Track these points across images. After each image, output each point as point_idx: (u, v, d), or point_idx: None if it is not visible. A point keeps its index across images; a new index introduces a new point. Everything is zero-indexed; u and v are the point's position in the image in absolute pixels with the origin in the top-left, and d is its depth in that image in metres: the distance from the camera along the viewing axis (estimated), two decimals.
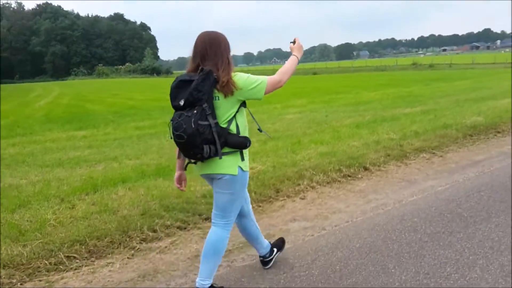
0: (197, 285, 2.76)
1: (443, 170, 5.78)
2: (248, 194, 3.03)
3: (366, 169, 5.80)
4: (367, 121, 9.95)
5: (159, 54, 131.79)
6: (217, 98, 2.52)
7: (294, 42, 2.87)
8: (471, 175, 5.51)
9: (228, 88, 2.48)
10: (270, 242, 3.29)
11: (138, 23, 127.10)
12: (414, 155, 6.46)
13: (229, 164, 2.59)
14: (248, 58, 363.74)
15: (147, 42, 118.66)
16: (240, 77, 2.56)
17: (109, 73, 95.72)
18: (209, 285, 2.78)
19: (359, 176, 5.58)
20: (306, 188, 5.11)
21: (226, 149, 2.56)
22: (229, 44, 2.66)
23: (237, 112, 2.59)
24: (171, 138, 2.47)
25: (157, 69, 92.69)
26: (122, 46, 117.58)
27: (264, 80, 2.58)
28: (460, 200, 4.54)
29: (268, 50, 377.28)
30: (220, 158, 2.51)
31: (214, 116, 2.47)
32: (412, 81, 26.32)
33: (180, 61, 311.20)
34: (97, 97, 28.09)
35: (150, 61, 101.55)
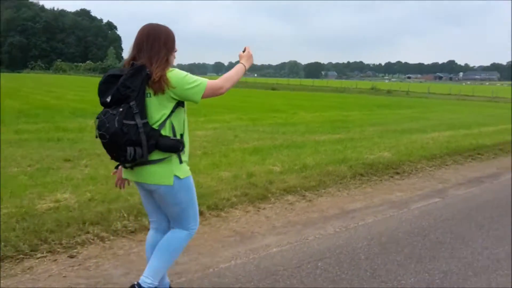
0: (139, 281, 2.51)
1: (298, 221, 4.58)
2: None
3: (200, 213, 4.48)
4: (269, 146, 8.77)
5: (123, 55, 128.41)
6: (148, 95, 2.29)
7: (244, 51, 2.66)
8: (327, 231, 4.31)
9: (159, 85, 2.25)
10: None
11: (105, 21, 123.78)
12: (278, 196, 5.25)
13: (163, 173, 2.35)
14: (218, 67, 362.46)
15: (112, 41, 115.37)
16: (175, 74, 2.32)
17: (68, 70, 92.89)
18: (152, 286, 2.50)
19: None
20: (92, 239, 3.74)
21: (158, 155, 2.32)
22: (173, 42, 2.43)
23: (172, 112, 2.35)
24: (96, 137, 2.25)
25: None
26: (85, 43, 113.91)
27: (203, 82, 2.36)
28: (287, 272, 3.30)
29: (238, 62, 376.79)
30: (146, 159, 2.27)
31: (144, 116, 2.23)
32: (359, 105, 25.61)
33: None
34: (25, 92, 25.98)
35: (112, 61, 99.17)
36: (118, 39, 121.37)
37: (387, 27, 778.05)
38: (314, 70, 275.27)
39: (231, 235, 4.09)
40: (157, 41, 2.34)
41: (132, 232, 3.94)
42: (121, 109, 2.18)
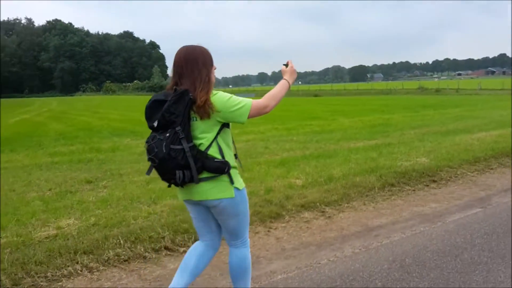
0: None
1: (312, 242, 4.14)
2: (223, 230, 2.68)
3: (168, 248, 4.03)
4: (298, 157, 8.36)
5: (168, 72, 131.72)
6: (194, 119, 2.35)
7: (286, 65, 2.62)
8: (344, 253, 3.86)
9: (204, 110, 2.29)
10: None
11: (148, 41, 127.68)
12: (294, 214, 4.83)
13: (222, 188, 2.40)
14: (262, 78, 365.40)
15: (156, 60, 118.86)
16: (219, 98, 2.35)
17: (117, 90, 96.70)
18: None
19: (153, 257, 3.81)
20: (80, 270, 3.48)
21: (206, 174, 2.35)
22: (211, 59, 2.44)
23: (218, 134, 2.38)
24: (148, 160, 2.30)
25: (165, 87, 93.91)
26: (131, 63, 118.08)
27: (248, 103, 2.37)
28: None
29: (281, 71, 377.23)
30: (197, 183, 2.32)
31: (190, 140, 2.29)
32: (402, 107, 24.59)
33: None
34: (72, 115, 26.88)
35: (158, 79, 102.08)
36: (161, 58, 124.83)
37: (428, 23, 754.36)
38: (359, 73, 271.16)
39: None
40: (195, 63, 2.36)
41: (125, 261, 3.66)
42: (167, 134, 2.23)
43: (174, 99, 2.27)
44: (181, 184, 2.32)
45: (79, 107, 38.77)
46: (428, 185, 6.06)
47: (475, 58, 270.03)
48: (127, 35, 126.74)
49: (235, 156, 2.54)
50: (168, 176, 2.31)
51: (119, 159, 9.24)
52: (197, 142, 2.35)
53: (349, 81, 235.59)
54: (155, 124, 2.29)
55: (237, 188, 2.45)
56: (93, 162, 9.02)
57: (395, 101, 32.23)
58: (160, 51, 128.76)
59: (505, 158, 7.70)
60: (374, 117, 18.05)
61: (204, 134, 2.36)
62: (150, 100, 2.39)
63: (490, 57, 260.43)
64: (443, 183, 6.17)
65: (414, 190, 5.81)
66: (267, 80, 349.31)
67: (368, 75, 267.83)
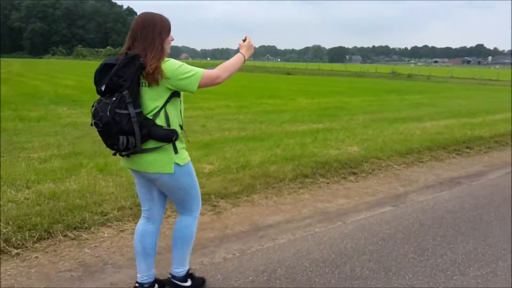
0: (172, 273, 2.73)
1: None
2: (166, 200, 2.69)
3: (50, 236, 3.50)
4: (228, 139, 7.78)
5: None
6: (143, 84, 2.30)
7: (244, 40, 2.62)
8: (213, 259, 3.33)
9: (153, 77, 2.24)
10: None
11: (125, 7, 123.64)
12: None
13: (163, 162, 2.36)
14: None
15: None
16: (170, 65, 2.30)
17: (88, 55, 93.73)
18: (185, 272, 2.73)
19: None
20: None
21: (153, 144, 2.33)
22: (168, 29, 2.40)
23: (167, 102, 2.34)
24: (91, 125, 2.24)
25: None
26: (105, 29, 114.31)
27: (199, 71, 2.33)
28: None
29: (261, 47, 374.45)
30: (140, 151, 2.30)
31: (137, 105, 2.24)
32: (366, 90, 24.21)
33: (172, 49, 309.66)
34: (26, 78, 25.53)
35: None
36: None
37: (412, 10, 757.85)
38: (338, 54, 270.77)
39: (72, 268, 3.13)
40: (151, 30, 2.31)
41: None
42: (114, 98, 2.19)
43: (123, 62, 2.21)
44: (124, 150, 2.26)
45: (40, 70, 37.04)
46: (345, 178, 5.58)
47: (453, 47, 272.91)
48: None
49: (181, 127, 2.45)
50: (111, 141, 2.25)
51: (38, 130, 8.48)
52: (145, 109, 2.31)
53: (328, 61, 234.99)
54: (103, 88, 2.23)
55: (177, 164, 2.40)
56: (7, 132, 8.23)
57: (363, 84, 31.88)
58: None
59: (441, 151, 7.30)
60: (333, 99, 17.58)
61: (152, 101, 2.31)
62: (100, 64, 2.33)
63: (468, 46, 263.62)
64: (362, 176, 5.70)
65: (328, 183, 5.31)
66: None
67: (347, 57, 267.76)
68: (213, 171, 5.38)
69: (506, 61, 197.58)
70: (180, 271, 2.71)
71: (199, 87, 2.34)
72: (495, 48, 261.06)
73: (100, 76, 2.29)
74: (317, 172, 5.56)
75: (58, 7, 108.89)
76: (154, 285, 2.72)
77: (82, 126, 8.66)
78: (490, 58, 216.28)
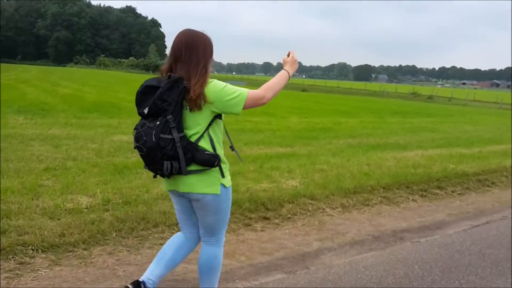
0: None
1: None
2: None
3: None
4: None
5: (166, 52, 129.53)
6: (186, 107, 2.24)
7: (288, 55, 2.51)
8: None
9: (196, 103, 2.19)
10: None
11: (149, 18, 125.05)
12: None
13: (210, 182, 2.31)
14: (266, 68, 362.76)
15: (155, 38, 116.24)
16: (213, 87, 2.25)
17: (110, 65, 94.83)
18: None
19: None
20: None
21: (195, 166, 2.26)
22: (211, 50, 2.32)
23: (209, 124, 2.29)
24: (134, 148, 2.23)
25: (160, 67, 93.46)
26: (129, 39, 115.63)
27: (243, 92, 2.27)
28: None
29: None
30: (185, 175, 2.24)
31: (181, 129, 2.20)
32: (372, 111, 22.77)
33: None
34: (33, 85, 25.08)
35: (154, 58, 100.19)
36: (161, 37, 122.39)
37: (441, 31, 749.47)
38: (364, 72, 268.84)
39: None
40: (195, 52, 2.23)
41: None
42: (158, 123, 2.14)
43: (167, 86, 2.15)
44: (168, 175, 2.23)
45: (52, 79, 36.85)
46: (249, 225, 4.27)
47: (482, 69, 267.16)
48: (129, 10, 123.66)
49: (231, 148, 2.51)
50: (155, 166, 2.20)
51: None
52: (188, 132, 2.25)
53: (353, 79, 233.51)
54: (146, 111, 2.18)
55: (223, 185, 2.36)
56: None
57: (375, 104, 30.39)
58: (161, 29, 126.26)
59: (402, 190, 5.98)
60: (328, 119, 16.29)
61: (195, 125, 2.26)
62: (142, 85, 2.24)
63: (497, 69, 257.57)
64: (274, 223, 4.41)
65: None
66: (272, 70, 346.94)
67: (373, 75, 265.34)
68: (93, 206, 4.22)
69: None
70: None
71: (244, 108, 2.26)
72: None
73: (141, 97, 2.23)
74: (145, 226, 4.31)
75: (83, 16, 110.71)
76: None
77: (14, 139, 7.61)
78: None
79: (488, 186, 6.77)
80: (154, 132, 2.12)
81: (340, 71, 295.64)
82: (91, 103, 16.11)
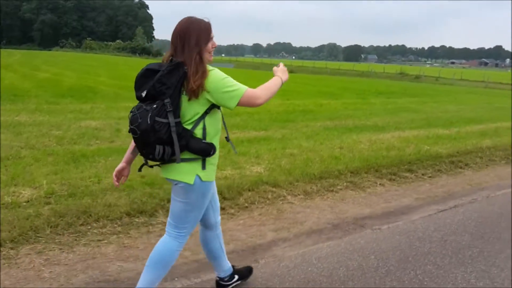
0: None
1: None
2: (218, 204, 2.68)
3: None
4: (111, 149, 6.36)
5: (154, 34, 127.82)
6: (184, 92, 2.21)
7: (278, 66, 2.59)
8: None
9: (194, 93, 2.16)
10: (234, 266, 2.93)
11: (137, 0, 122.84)
12: None
13: (186, 171, 2.27)
14: (256, 49, 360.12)
15: (142, 20, 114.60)
16: (213, 77, 2.21)
17: (97, 48, 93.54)
18: None
19: None
20: None
21: (187, 154, 2.24)
22: (207, 34, 2.26)
23: (206, 113, 2.26)
24: (129, 131, 2.19)
25: (148, 50, 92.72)
26: (116, 22, 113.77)
27: (241, 88, 2.24)
28: None
29: (277, 44, 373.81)
30: (178, 162, 2.20)
31: (177, 115, 2.16)
32: (356, 91, 22.55)
33: None
34: (12, 69, 24.46)
35: (141, 41, 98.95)
36: (149, 19, 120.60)
37: (430, 9, 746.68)
38: (354, 53, 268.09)
39: None
40: (187, 41, 2.20)
41: None
42: (155, 106, 2.11)
43: (168, 69, 2.13)
44: (159, 160, 2.18)
45: (35, 62, 36.11)
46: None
47: (471, 48, 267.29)
48: None
49: (227, 138, 2.52)
50: (147, 150, 2.15)
51: None
52: (184, 117, 2.22)
53: (343, 60, 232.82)
54: (143, 94, 2.15)
55: (199, 177, 2.29)
56: None
57: (361, 85, 30.14)
58: (148, 11, 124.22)
59: (370, 174, 5.80)
60: (310, 101, 16.06)
61: (192, 111, 2.22)
62: (143, 68, 2.22)
63: (486, 48, 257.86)
64: (229, 213, 4.22)
65: (128, 234, 3.79)
66: (261, 52, 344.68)
67: (362, 56, 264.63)
68: (34, 199, 3.98)
69: None
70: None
71: (239, 105, 2.25)
72: None
73: (141, 81, 2.21)
74: (165, 206, 4.11)
75: None
76: (234, 276, 2.88)
77: None
78: (508, 60, 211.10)
79: (461, 167, 6.62)
80: (150, 114, 2.09)
81: (330, 51, 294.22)
82: (67, 87, 15.70)
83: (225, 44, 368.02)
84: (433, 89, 28.25)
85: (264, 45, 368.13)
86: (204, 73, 2.18)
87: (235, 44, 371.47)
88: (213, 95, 2.21)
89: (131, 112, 2.19)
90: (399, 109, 14.46)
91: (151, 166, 2.33)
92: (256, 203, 4.49)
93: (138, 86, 2.21)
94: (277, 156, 6.34)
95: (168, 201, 4.17)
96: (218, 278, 2.87)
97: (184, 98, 2.21)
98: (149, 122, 2.08)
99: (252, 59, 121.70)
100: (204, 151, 2.24)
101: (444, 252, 3.72)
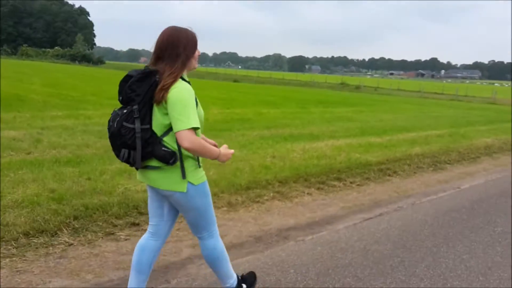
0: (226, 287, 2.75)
1: None
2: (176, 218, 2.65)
3: None
4: (37, 161, 5.88)
5: (96, 41, 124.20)
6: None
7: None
8: None
9: (158, 96, 2.19)
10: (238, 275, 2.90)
11: (76, 6, 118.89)
12: None
13: (175, 179, 2.30)
14: (202, 59, 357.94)
15: (82, 27, 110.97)
16: (177, 93, 2.20)
17: (34, 55, 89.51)
18: (236, 280, 2.77)
19: None
20: None
21: (155, 162, 2.28)
22: (194, 44, 2.35)
23: None
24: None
25: (88, 57, 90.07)
26: (54, 28, 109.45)
27: (185, 124, 2.15)
28: None
29: (223, 53, 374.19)
30: (137, 168, 2.31)
31: (146, 122, 2.21)
32: (297, 101, 22.79)
33: (131, 52, 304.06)
34: None
35: (81, 48, 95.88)
36: (89, 25, 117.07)
37: (371, 22, 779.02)
38: (299, 63, 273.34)
39: None
40: (175, 49, 2.26)
41: None
42: (125, 111, 2.19)
43: (138, 76, 2.21)
44: (125, 162, 2.26)
45: None
46: (107, 233, 3.79)
47: (408, 60, 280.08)
48: None
49: None
50: (115, 152, 2.26)
51: None
52: (156, 125, 2.24)
53: (288, 70, 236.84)
54: (120, 98, 2.27)
55: (191, 183, 2.32)
56: None
57: (303, 94, 30.58)
58: (89, 18, 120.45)
59: (299, 184, 5.69)
60: (250, 110, 15.97)
61: (163, 119, 2.23)
62: (126, 74, 2.29)
63: (422, 60, 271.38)
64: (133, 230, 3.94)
65: (53, 248, 3.46)
66: (207, 61, 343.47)
67: (307, 66, 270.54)
68: None
69: (458, 75, 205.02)
70: (231, 282, 2.74)
71: (176, 135, 2.18)
72: (448, 62, 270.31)
73: (121, 86, 2.27)
74: (71, 224, 3.76)
75: (4, 4, 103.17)
76: None
77: None
78: (443, 71, 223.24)
79: (389, 175, 6.68)
80: (118, 119, 2.17)
81: (275, 62, 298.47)
82: None
83: None
84: (371, 99, 29.10)
85: (210, 54, 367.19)
86: (176, 76, 2.22)
87: None
88: (167, 110, 2.21)
89: (111, 113, 2.28)
90: (336, 118, 14.67)
91: (136, 168, 2.36)
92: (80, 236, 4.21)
93: (119, 91, 2.29)
94: (205, 167, 6.08)
95: (75, 218, 3.84)
96: None
97: (155, 106, 2.23)
98: (115, 125, 2.17)
99: (198, 68, 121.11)
100: (163, 158, 2.23)
101: (365, 263, 3.64)
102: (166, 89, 2.18)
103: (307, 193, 5.42)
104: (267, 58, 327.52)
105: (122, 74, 2.39)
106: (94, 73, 42.90)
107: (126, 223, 3.95)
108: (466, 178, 6.94)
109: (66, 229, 3.66)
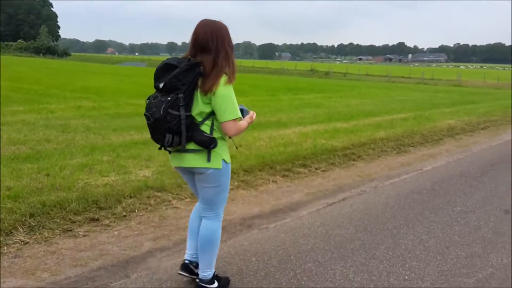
0: (200, 276, 2.81)
1: None
2: None
3: None
4: None
5: (60, 33, 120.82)
6: (198, 90, 2.44)
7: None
8: None
9: (209, 88, 2.39)
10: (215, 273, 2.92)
11: None
12: None
13: (212, 158, 2.51)
14: (171, 48, 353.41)
15: (46, 19, 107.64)
16: (225, 89, 2.43)
17: None
18: (212, 274, 2.81)
19: None
20: None
21: (193, 146, 2.47)
22: (230, 37, 2.56)
23: (213, 112, 2.48)
24: (144, 115, 2.42)
25: (53, 49, 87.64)
26: (16, 21, 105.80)
27: (230, 116, 2.44)
28: None
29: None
30: (183, 151, 2.47)
31: (188, 109, 2.40)
32: (268, 88, 22.82)
33: (97, 43, 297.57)
34: None
35: (45, 40, 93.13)
36: (53, 17, 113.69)
37: (340, 9, 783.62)
38: (268, 51, 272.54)
39: None
40: (221, 43, 2.45)
41: None
42: (169, 98, 2.32)
43: (185, 67, 2.34)
44: (168, 146, 2.41)
45: None
46: (69, 230, 3.71)
47: (376, 45, 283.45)
48: None
49: (229, 136, 2.59)
50: (158, 136, 2.40)
51: None
52: (195, 112, 2.43)
53: (258, 58, 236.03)
54: (161, 85, 2.36)
55: (224, 161, 2.57)
56: None
57: (272, 82, 30.60)
58: (52, 9, 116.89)
59: (265, 172, 5.70)
60: None
61: (203, 107, 2.44)
62: (162, 62, 2.45)
63: (390, 44, 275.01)
64: (103, 225, 3.86)
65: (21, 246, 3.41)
66: (177, 50, 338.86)
67: (277, 54, 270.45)
68: None
69: (424, 58, 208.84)
70: (208, 274, 2.79)
71: (222, 125, 2.47)
72: (415, 46, 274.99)
73: (160, 73, 2.40)
74: (27, 222, 3.66)
75: None
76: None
77: None
78: (410, 56, 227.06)
79: (353, 160, 6.76)
80: (164, 105, 2.31)
81: (245, 50, 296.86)
82: None
83: (139, 43, 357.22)
84: (340, 85, 29.39)
85: (179, 43, 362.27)
86: (235, 70, 2.49)
87: (149, 42, 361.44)
88: (214, 101, 2.41)
89: (147, 99, 2.43)
90: (304, 105, 14.74)
91: (169, 152, 2.55)
92: (136, 210, 4.17)
93: (157, 77, 2.42)
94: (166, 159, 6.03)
95: (31, 216, 3.74)
96: (186, 261, 2.95)
97: (197, 94, 2.41)
98: (162, 112, 2.31)
99: (164, 57, 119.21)
100: (204, 143, 2.45)
101: (327, 248, 3.68)
102: (218, 83, 2.38)
103: (272, 181, 5.44)
104: (237, 46, 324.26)
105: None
106: (59, 65, 41.75)
107: (85, 218, 3.87)
108: (428, 160, 7.09)
109: (22, 228, 3.56)
